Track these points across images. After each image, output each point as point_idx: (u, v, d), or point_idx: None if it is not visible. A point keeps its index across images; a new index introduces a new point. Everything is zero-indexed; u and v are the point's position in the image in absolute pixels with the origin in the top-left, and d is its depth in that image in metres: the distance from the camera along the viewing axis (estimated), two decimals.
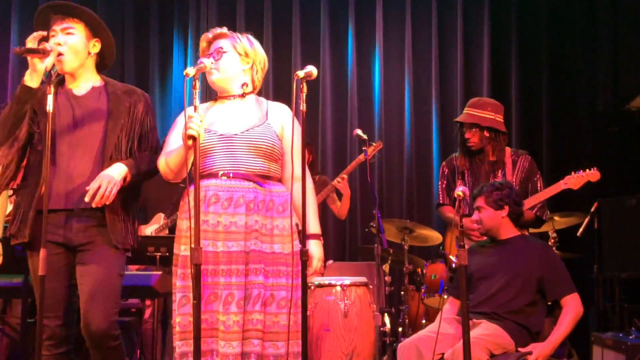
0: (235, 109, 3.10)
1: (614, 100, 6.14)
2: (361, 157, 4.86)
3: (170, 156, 2.97)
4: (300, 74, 2.86)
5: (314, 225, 3.06)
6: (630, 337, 4.03)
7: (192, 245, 2.60)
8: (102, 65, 3.25)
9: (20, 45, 2.90)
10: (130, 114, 3.15)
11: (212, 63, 2.96)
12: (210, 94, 6.37)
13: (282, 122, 3.10)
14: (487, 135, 4.22)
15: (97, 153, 3.06)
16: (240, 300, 2.85)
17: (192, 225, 2.61)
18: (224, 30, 3.16)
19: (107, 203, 2.96)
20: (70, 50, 3.07)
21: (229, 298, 2.85)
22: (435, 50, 6.43)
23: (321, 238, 3.10)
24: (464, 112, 4.34)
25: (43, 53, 2.87)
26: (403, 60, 6.48)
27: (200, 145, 2.85)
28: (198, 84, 2.68)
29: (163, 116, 6.53)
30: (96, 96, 3.14)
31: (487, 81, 6.35)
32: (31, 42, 2.90)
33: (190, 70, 2.69)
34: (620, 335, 4.19)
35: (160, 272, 3.93)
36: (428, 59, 6.47)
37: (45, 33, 2.99)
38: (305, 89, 2.85)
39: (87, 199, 2.93)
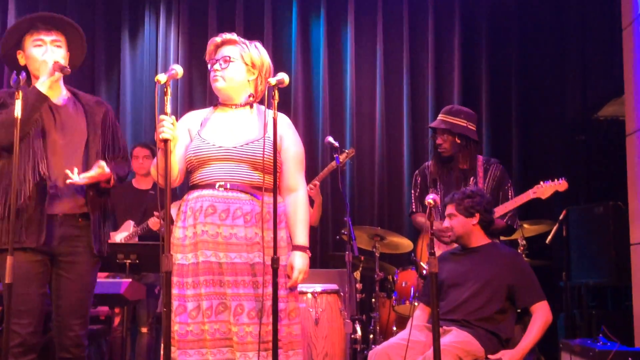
0: (236, 120, 3.07)
1: (582, 109, 6.22)
2: (333, 164, 4.85)
3: (157, 163, 2.93)
4: (272, 81, 2.84)
5: (301, 237, 3.02)
6: (598, 343, 4.07)
7: (164, 253, 2.56)
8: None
9: None
10: (104, 124, 3.24)
11: (216, 70, 3.00)
12: (190, 96, 6.36)
13: (281, 133, 3.03)
14: (459, 142, 4.26)
15: (79, 162, 3.11)
16: (251, 311, 2.83)
17: (170, 232, 2.57)
18: (234, 36, 3.10)
19: (80, 183, 3.03)
20: (63, 62, 3.15)
21: (238, 309, 2.83)
22: (406, 59, 6.45)
23: (307, 251, 3.02)
24: (438, 118, 4.37)
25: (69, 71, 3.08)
26: (375, 68, 6.48)
27: (199, 155, 2.92)
28: (169, 90, 2.63)
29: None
30: (74, 107, 3.22)
31: (457, 90, 6.38)
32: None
33: (162, 77, 2.60)
34: (588, 341, 4.22)
35: (129, 280, 3.91)
36: (399, 67, 6.48)
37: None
38: (277, 96, 2.84)
39: (72, 176, 3.00)
